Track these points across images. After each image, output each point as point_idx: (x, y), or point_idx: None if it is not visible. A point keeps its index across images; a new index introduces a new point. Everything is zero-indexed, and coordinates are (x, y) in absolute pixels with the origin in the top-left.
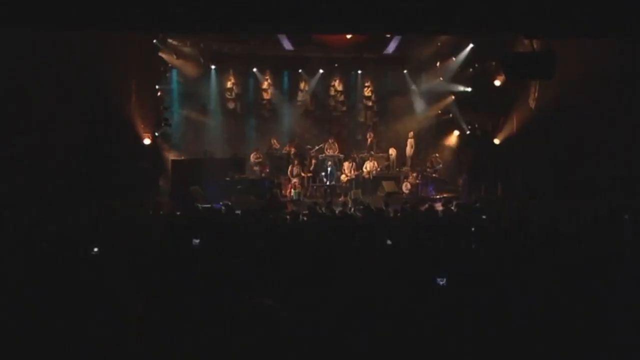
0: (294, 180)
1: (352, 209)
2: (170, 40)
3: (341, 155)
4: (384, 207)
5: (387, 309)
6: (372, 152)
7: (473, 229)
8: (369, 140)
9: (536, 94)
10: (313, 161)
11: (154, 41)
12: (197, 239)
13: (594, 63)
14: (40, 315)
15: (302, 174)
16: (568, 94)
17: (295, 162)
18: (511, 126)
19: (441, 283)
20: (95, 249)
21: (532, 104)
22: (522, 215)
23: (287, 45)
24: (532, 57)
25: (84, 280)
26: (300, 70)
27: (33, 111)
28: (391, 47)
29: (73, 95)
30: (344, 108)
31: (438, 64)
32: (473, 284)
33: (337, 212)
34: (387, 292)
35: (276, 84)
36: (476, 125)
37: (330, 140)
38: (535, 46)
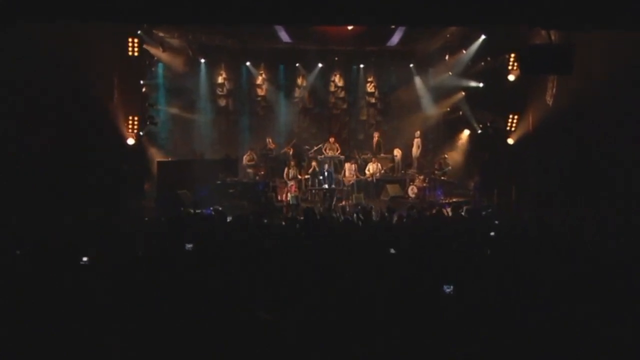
0: (291, 183)
1: (353, 215)
2: (156, 32)
3: (342, 157)
4: (387, 213)
5: (390, 319)
6: (381, 154)
7: (489, 234)
8: (375, 140)
9: (554, 90)
10: (313, 163)
11: (139, 32)
12: (189, 243)
13: (618, 57)
14: (20, 324)
15: (299, 177)
16: (589, 90)
17: (292, 163)
18: (526, 125)
19: (447, 291)
20: (85, 258)
21: (549, 100)
22: (538, 222)
23: (285, 37)
24: (550, 49)
25: (64, 290)
26: (297, 64)
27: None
28: (395, 39)
29: (47, 92)
30: (345, 105)
31: (447, 57)
32: (483, 293)
33: (336, 217)
34: (390, 302)
35: (271, 79)
36: (488, 124)
37: (330, 140)
38: (553, 38)
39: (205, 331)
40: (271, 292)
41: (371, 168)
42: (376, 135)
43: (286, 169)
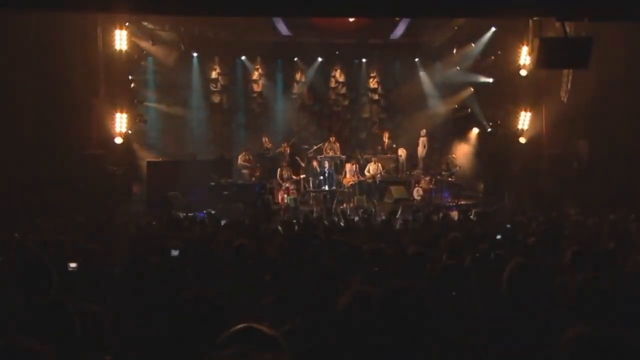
0: (286, 185)
1: (354, 218)
2: (145, 24)
3: (343, 157)
4: (391, 216)
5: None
6: (389, 154)
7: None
8: (386, 139)
9: (569, 86)
10: (314, 162)
11: (127, 24)
12: (176, 249)
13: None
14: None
15: (295, 177)
16: (608, 86)
17: (284, 164)
18: (540, 123)
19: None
20: (73, 265)
21: (564, 96)
22: (554, 227)
23: (283, 29)
24: (565, 42)
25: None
26: (295, 59)
27: None
28: (399, 31)
29: (25, 87)
30: (346, 102)
31: (454, 50)
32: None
33: (336, 221)
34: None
35: (268, 74)
36: (499, 122)
37: (330, 139)
38: (568, 30)
39: (198, 345)
40: (271, 304)
41: (371, 169)
42: (386, 135)
43: (279, 170)
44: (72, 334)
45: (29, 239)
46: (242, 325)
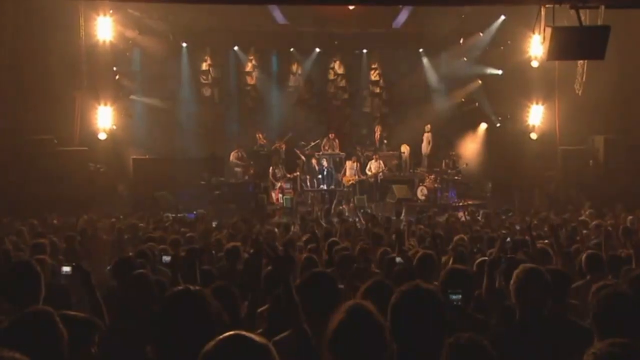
0: (279, 184)
1: (354, 219)
2: (131, 11)
3: (342, 154)
4: (394, 217)
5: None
6: (385, 151)
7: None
8: (377, 135)
9: (584, 78)
10: (313, 160)
11: (110, 12)
12: (167, 255)
13: None
14: None
15: (289, 176)
16: (626, 78)
17: (278, 162)
18: (552, 117)
19: (455, 300)
20: (66, 269)
21: (578, 89)
22: (568, 229)
23: (279, 17)
24: (579, 32)
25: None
26: (292, 49)
27: None
28: (401, 20)
29: (2, 80)
30: (346, 95)
31: (461, 40)
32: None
33: (336, 222)
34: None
35: (263, 65)
36: (508, 116)
37: (329, 136)
38: (583, 18)
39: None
40: (267, 310)
41: (373, 167)
42: (378, 129)
43: (271, 169)
44: (58, 344)
45: (7, 241)
46: (230, 333)
